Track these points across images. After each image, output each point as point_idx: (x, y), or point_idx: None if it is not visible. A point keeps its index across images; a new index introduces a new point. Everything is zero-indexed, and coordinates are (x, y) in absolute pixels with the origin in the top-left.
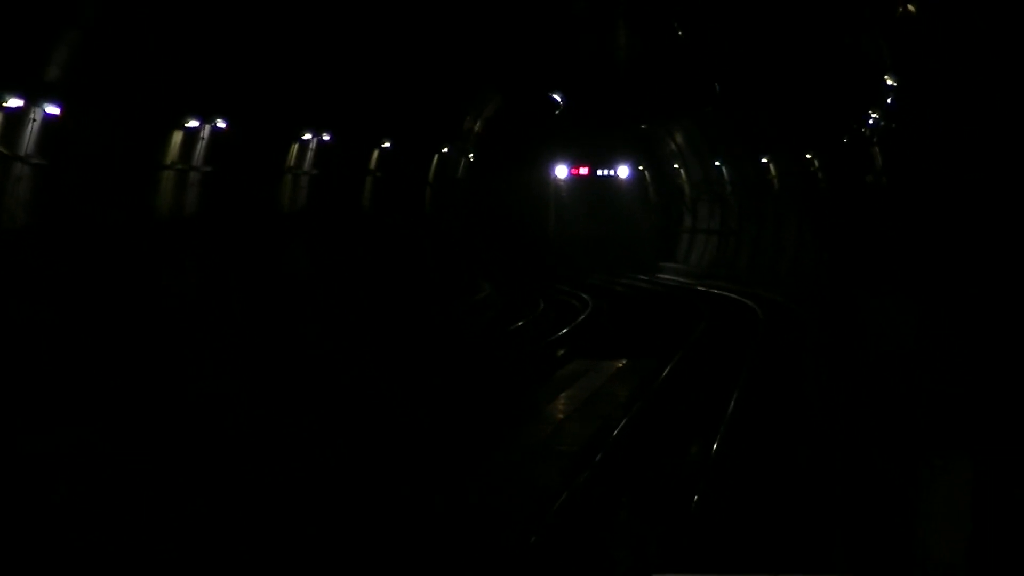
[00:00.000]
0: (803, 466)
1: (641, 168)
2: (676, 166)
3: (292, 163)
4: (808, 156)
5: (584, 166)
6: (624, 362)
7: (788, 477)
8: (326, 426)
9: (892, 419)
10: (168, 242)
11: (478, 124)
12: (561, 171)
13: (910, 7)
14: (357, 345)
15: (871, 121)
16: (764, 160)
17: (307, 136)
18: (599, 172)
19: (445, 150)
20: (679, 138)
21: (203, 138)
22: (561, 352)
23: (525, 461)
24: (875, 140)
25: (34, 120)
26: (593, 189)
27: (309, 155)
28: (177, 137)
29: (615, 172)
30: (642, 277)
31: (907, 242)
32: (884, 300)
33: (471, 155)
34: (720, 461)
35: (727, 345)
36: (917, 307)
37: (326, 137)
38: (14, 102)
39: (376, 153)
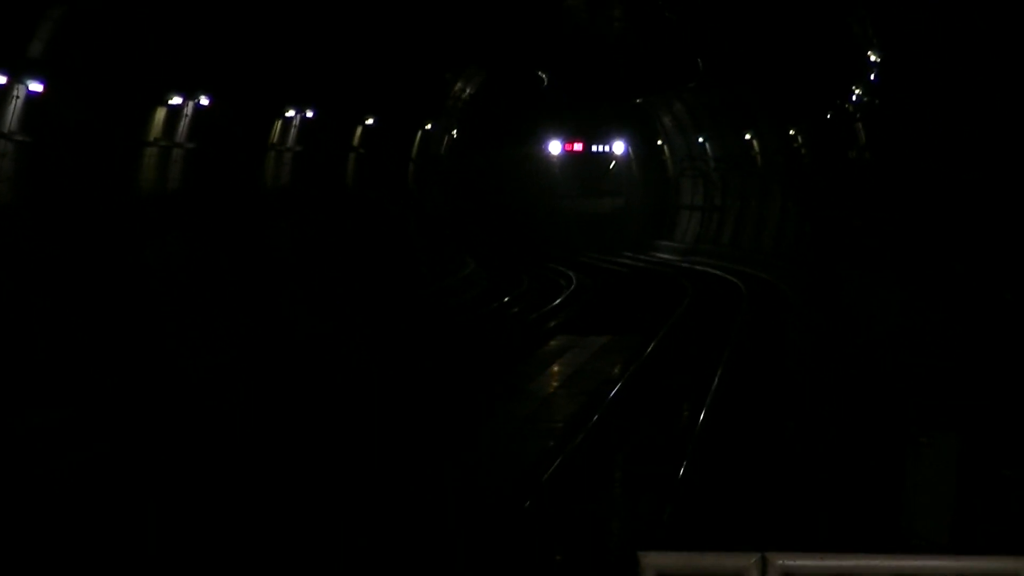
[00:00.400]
0: (788, 441)
1: (627, 145)
2: (659, 142)
3: (276, 140)
4: (792, 132)
5: (578, 142)
6: (608, 338)
7: (773, 452)
8: (315, 404)
9: (877, 395)
10: (152, 218)
11: (462, 99)
12: (554, 147)
13: None
14: (343, 323)
15: (854, 97)
16: (747, 136)
17: (290, 113)
18: (593, 148)
19: (428, 127)
20: (665, 114)
21: (186, 115)
22: (550, 325)
23: (512, 436)
24: (858, 116)
25: (17, 97)
26: (587, 166)
27: (292, 132)
28: (160, 114)
29: (610, 148)
30: (635, 255)
31: (891, 218)
32: (868, 276)
33: (454, 131)
34: (705, 436)
35: (711, 321)
36: (901, 283)
37: (309, 114)
38: None
39: (359, 129)
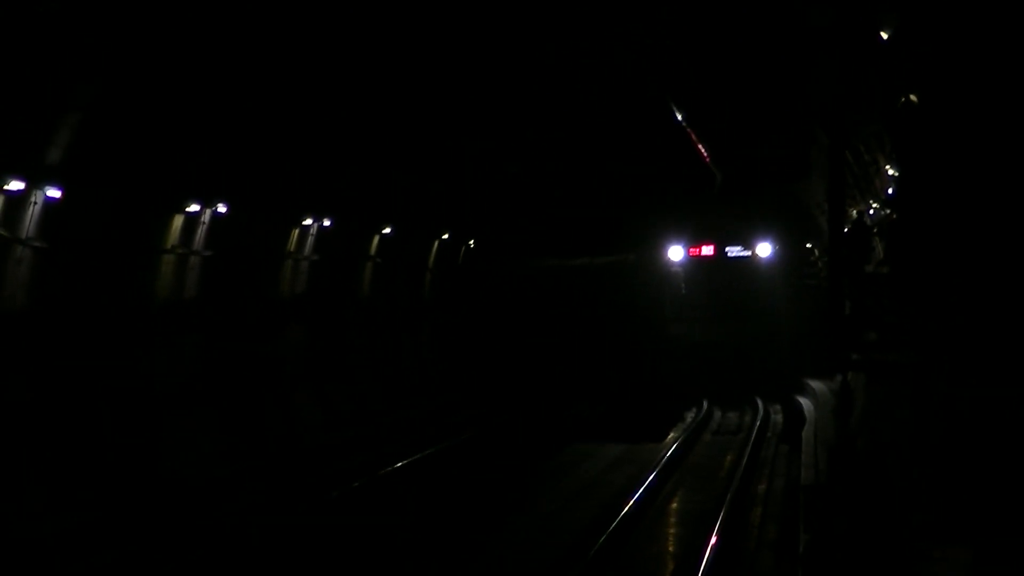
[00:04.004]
0: (802, 555)
1: (775, 246)
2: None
3: (293, 248)
4: (808, 245)
5: (707, 244)
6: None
7: (788, 566)
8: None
9: (890, 507)
10: (167, 325)
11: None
12: (676, 252)
13: (912, 97)
14: (358, 434)
15: (871, 211)
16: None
17: (308, 221)
18: (730, 252)
19: (446, 236)
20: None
21: (204, 223)
22: None
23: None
24: (875, 230)
25: (35, 203)
26: (722, 275)
27: (310, 240)
28: (178, 221)
29: (754, 251)
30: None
31: (906, 330)
32: (881, 387)
33: (470, 241)
34: (721, 548)
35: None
36: (914, 395)
37: (327, 223)
38: (15, 185)
39: (376, 239)
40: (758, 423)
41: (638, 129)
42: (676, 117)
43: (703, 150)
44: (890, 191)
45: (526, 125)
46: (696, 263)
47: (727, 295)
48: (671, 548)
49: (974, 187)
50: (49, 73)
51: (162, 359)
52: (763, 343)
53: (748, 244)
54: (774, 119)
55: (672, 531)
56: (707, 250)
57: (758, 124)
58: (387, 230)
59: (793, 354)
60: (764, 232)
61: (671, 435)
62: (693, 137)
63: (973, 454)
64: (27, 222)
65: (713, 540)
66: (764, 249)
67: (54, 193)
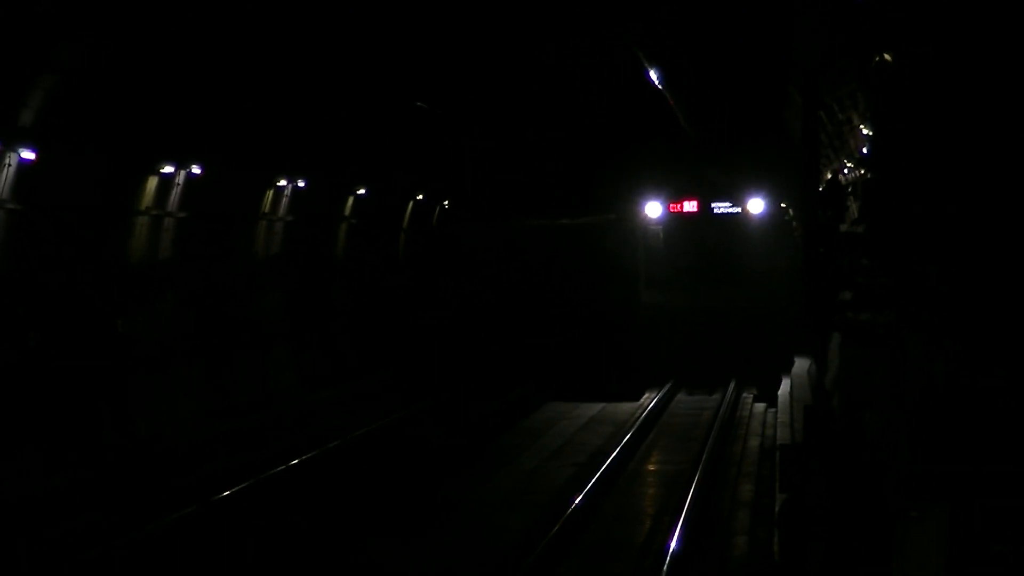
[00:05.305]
0: (778, 515)
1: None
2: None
3: (267, 209)
4: (783, 205)
5: (689, 199)
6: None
7: (763, 523)
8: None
9: (867, 467)
10: (143, 287)
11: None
12: (654, 210)
13: (886, 56)
14: (334, 396)
15: (846, 170)
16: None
17: (282, 182)
18: (716, 207)
19: (420, 197)
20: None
21: (178, 184)
22: None
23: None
24: (850, 190)
25: (8, 165)
26: (706, 235)
27: (284, 201)
28: (152, 183)
29: (742, 208)
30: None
31: (881, 289)
32: (856, 347)
33: (446, 202)
34: (691, 519)
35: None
36: (888, 356)
37: (301, 184)
38: None
39: (351, 200)
40: (732, 385)
41: (610, 78)
42: (650, 71)
43: (678, 103)
44: (864, 150)
45: (498, 83)
46: (677, 221)
47: (712, 258)
48: (648, 508)
49: (947, 148)
50: (22, 34)
51: (139, 320)
52: (754, 312)
53: (737, 199)
54: (751, 76)
55: (649, 491)
56: (689, 206)
57: (736, 79)
58: (361, 191)
59: (788, 325)
60: (755, 186)
61: (646, 395)
62: (668, 95)
63: (949, 421)
64: (1, 184)
65: (689, 500)
66: (756, 205)
67: (28, 155)
